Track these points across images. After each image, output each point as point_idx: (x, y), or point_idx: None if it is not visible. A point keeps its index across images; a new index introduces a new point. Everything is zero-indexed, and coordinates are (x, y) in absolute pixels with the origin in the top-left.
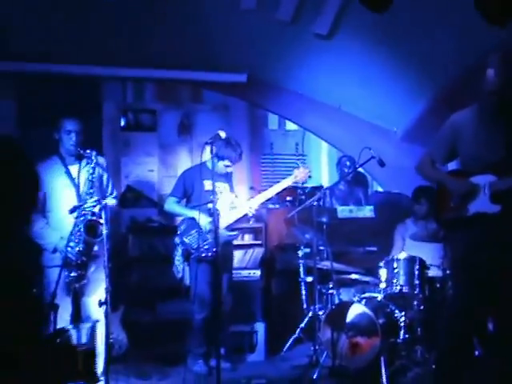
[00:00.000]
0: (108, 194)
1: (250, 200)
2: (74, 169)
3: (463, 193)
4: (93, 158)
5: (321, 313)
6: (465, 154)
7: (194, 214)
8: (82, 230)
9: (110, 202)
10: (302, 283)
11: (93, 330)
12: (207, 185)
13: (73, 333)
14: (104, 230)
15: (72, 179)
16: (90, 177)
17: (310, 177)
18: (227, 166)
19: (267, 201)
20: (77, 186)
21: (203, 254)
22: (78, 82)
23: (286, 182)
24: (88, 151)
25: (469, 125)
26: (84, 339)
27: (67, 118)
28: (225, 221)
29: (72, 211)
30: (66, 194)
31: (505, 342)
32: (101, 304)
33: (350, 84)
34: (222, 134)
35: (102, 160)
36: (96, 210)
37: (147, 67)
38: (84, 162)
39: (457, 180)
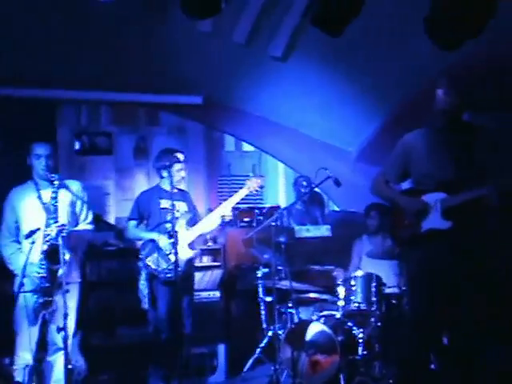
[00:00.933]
0: (81, 220)
1: (209, 216)
2: (46, 193)
3: (416, 210)
4: (55, 182)
5: (281, 332)
6: (417, 173)
7: (154, 235)
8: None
9: (84, 227)
10: (262, 303)
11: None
12: (163, 203)
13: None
14: (66, 256)
15: (44, 204)
16: (53, 201)
17: (262, 186)
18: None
19: (225, 223)
20: (47, 211)
21: (168, 275)
22: (32, 104)
23: (241, 193)
24: (53, 176)
25: (420, 145)
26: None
27: (37, 143)
28: (185, 239)
29: (28, 236)
30: (38, 219)
31: (459, 354)
32: (59, 330)
33: (305, 105)
34: (181, 157)
35: (75, 185)
36: (53, 235)
37: (102, 90)
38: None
39: (409, 198)
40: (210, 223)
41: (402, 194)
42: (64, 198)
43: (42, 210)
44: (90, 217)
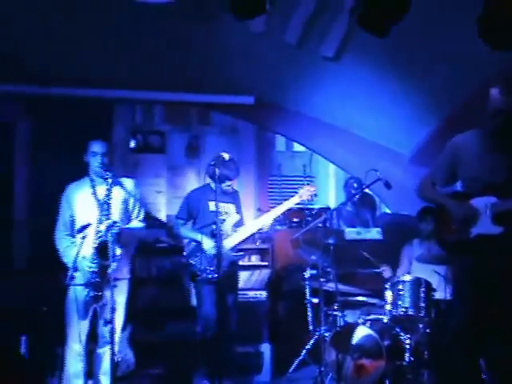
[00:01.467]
0: (134, 217)
1: (256, 220)
2: (101, 190)
3: (465, 215)
4: (108, 180)
5: (327, 334)
6: (466, 176)
7: (199, 236)
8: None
9: (136, 224)
10: (308, 305)
11: None
12: (212, 206)
13: None
14: (118, 252)
15: (98, 200)
16: (105, 198)
17: (315, 195)
18: (228, 186)
19: (274, 222)
20: (102, 206)
21: (209, 276)
22: (89, 104)
23: (292, 201)
24: (108, 173)
25: (470, 147)
26: None
27: (93, 141)
28: (230, 242)
29: (79, 231)
30: (91, 214)
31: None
32: (106, 323)
33: (357, 106)
34: (226, 156)
35: (129, 183)
36: (102, 231)
37: (156, 90)
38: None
39: (458, 202)
40: (255, 227)
41: (450, 198)
42: (117, 195)
43: (96, 206)
44: (142, 214)
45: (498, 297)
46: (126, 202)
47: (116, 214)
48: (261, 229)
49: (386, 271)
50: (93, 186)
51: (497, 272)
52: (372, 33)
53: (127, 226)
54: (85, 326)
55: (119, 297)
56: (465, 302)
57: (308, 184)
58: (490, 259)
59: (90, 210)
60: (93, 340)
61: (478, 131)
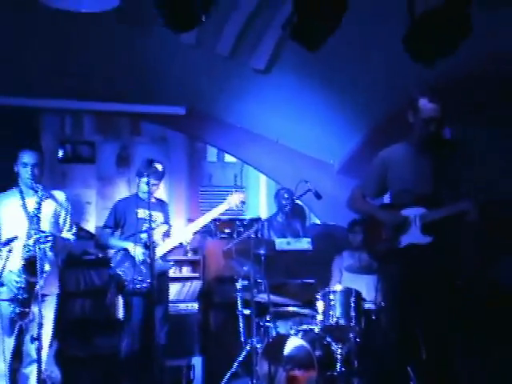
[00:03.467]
0: (65, 230)
1: (184, 228)
2: (31, 202)
3: (395, 224)
4: (39, 193)
5: (259, 346)
6: (395, 188)
7: (128, 245)
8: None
9: (66, 236)
10: (240, 316)
11: None
12: (140, 213)
13: None
14: (46, 267)
15: (27, 213)
16: (36, 211)
17: (244, 202)
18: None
19: (204, 232)
20: (30, 220)
21: (137, 286)
22: (16, 113)
23: (221, 208)
24: (37, 185)
25: (398, 159)
26: None
27: (24, 151)
28: (159, 250)
29: (5, 244)
30: (19, 227)
31: (436, 370)
32: (32, 340)
33: (287, 117)
34: (159, 167)
35: (60, 195)
36: (30, 244)
37: (86, 99)
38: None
39: (388, 212)
40: (185, 236)
41: (381, 209)
42: (48, 207)
43: (25, 219)
44: (74, 228)
45: (426, 305)
46: (56, 215)
47: (46, 227)
48: (189, 237)
49: None
50: (22, 198)
51: (425, 281)
52: (304, 46)
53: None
54: (10, 343)
55: (47, 312)
56: (394, 310)
57: (236, 191)
58: (419, 268)
59: (18, 223)
60: (17, 359)
61: (406, 143)
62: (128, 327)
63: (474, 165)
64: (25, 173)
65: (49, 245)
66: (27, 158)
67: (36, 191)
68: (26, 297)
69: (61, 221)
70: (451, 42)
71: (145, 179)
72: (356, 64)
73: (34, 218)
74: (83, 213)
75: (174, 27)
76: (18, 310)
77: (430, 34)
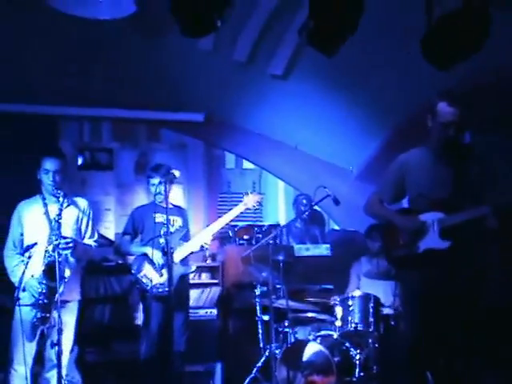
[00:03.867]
0: (87, 237)
1: (203, 231)
2: (53, 209)
3: (412, 230)
4: (60, 199)
5: (277, 352)
6: (413, 192)
7: (147, 249)
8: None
9: (88, 242)
10: (259, 322)
11: None
12: (158, 217)
13: None
14: (67, 272)
15: (49, 219)
16: (58, 217)
17: (260, 203)
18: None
19: (223, 238)
20: (53, 226)
21: (160, 290)
22: (35, 121)
23: (238, 210)
24: (59, 192)
25: (416, 164)
26: None
27: (46, 157)
28: (179, 255)
29: (26, 250)
30: (41, 234)
31: (456, 377)
32: (52, 345)
33: (306, 124)
34: (177, 173)
35: (82, 202)
36: (50, 250)
37: (104, 107)
38: (65, 202)
39: (406, 217)
40: (203, 239)
41: (398, 214)
42: (70, 214)
43: (47, 226)
44: (96, 235)
45: (444, 310)
46: (79, 221)
47: (68, 233)
48: (208, 240)
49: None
50: (45, 205)
51: (444, 286)
52: (321, 51)
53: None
54: (31, 348)
55: (68, 318)
56: (413, 316)
57: (252, 192)
58: (437, 273)
59: (40, 229)
60: (39, 363)
61: (424, 148)
62: (147, 332)
63: (494, 171)
64: (47, 179)
65: (69, 251)
66: (49, 164)
67: (58, 197)
68: (47, 302)
69: (83, 227)
70: (469, 46)
71: (155, 180)
72: (374, 70)
73: (55, 224)
74: (102, 220)
75: (189, 33)
76: (39, 314)
77: (447, 37)
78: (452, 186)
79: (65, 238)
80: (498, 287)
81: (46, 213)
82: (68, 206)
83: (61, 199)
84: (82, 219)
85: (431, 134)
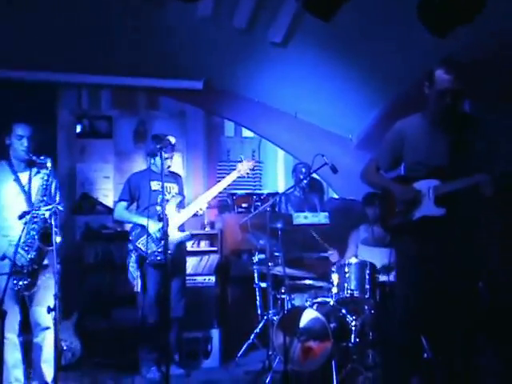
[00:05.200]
0: (58, 199)
1: (198, 198)
2: (23, 175)
3: (408, 198)
4: (48, 164)
5: (275, 318)
6: (409, 160)
7: (143, 220)
8: (35, 237)
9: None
10: (257, 289)
11: None
12: (154, 185)
13: None
14: (58, 238)
15: (21, 186)
16: (44, 184)
17: (254, 170)
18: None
19: (222, 206)
20: (27, 193)
21: (158, 258)
22: (32, 87)
23: (232, 177)
24: (42, 157)
25: (413, 131)
26: None
27: (18, 123)
28: (175, 221)
29: (21, 217)
30: (15, 201)
31: (453, 342)
32: (49, 310)
33: (305, 92)
34: (172, 140)
35: (49, 163)
36: (47, 216)
37: (103, 74)
38: (35, 168)
39: (401, 185)
40: (200, 205)
41: (394, 182)
42: (42, 178)
43: (21, 192)
44: (58, 197)
45: (440, 277)
46: (49, 185)
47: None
48: (204, 206)
49: (334, 255)
50: (14, 172)
51: (439, 253)
52: (317, 16)
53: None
54: (16, 314)
55: (51, 281)
56: (408, 283)
57: (246, 159)
58: (432, 241)
59: (12, 196)
60: (26, 329)
61: (421, 115)
62: (145, 299)
63: (491, 139)
64: (19, 145)
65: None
66: (21, 130)
67: (39, 163)
68: (36, 267)
69: (52, 190)
70: (466, 10)
71: (158, 158)
72: (374, 39)
73: (43, 190)
74: (101, 187)
75: None
76: (26, 281)
77: (444, 2)
78: (449, 153)
79: (56, 205)
80: (496, 255)
81: (17, 179)
82: (50, 171)
83: (49, 165)
84: (51, 182)
85: (428, 101)
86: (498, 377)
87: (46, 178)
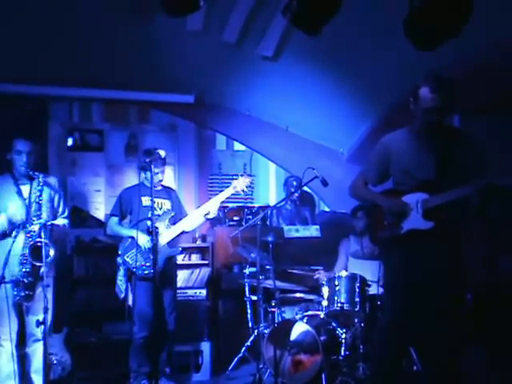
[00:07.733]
0: (59, 214)
1: (191, 214)
2: (25, 189)
3: (396, 211)
4: (40, 180)
5: (266, 331)
6: (397, 173)
7: (133, 232)
8: (27, 251)
9: (61, 222)
10: (248, 302)
11: None
12: (145, 200)
13: None
14: (51, 252)
15: (23, 199)
16: (37, 199)
17: (250, 187)
18: (156, 174)
19: (213, 220)
20: (27, 206)
21: (145, 272)
22: (23, 101)
23: (227, 192)
24: (36, 173)
25: (400, 145)
26: None
27: (18, 139)
28: (165, 237)
29: (11, 230)
30: (18, 213)
31: (440, 354)
32: (38, 324)
33: (296, 105)
34: (162, 153)
35: (53, 180)
36: (36, 230)
37: (94, 87)
38: (35, 182)
39: (390, 199)
40: (192, 221)
41: (382, 195)
42: (44, 194)
43: (22, 205)
44: (67, 211)
45: (427, 291)
46: (52, 200)
47: (44, 212)
48: (195, 224)
49: (321, 277)
50: (17, 185)
51: (427, 266)
52: (305, 32)
53: (54, 222)
54: (14, 324)
55: (49, 295)
56: (395, 296)
57: (242, 175)
58: (420, 254)
59: (15, 209)
60: (22, 339)
61: (407, 129)
62: (136, 313)
63: (477, 152)
64: (19, 160)
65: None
66: (21, 145)
67: (33, 178)
68: (32, 280)
69: (55, 205)
70: (452, 26)
71: (149, 172)
72: (364, 52)
73: (36, 205)
74: (93, 201)
75: (172, 11)
76: (22, 293)
77: (430, 17)
78: (436, 167)
79: (46, 221)
80: (481, 266)
81: (19, 192)
82: (42, 186)
83: (41, 180)
84: (54, 197)
85: (414, 117)
86: None
87: (38, 193)
